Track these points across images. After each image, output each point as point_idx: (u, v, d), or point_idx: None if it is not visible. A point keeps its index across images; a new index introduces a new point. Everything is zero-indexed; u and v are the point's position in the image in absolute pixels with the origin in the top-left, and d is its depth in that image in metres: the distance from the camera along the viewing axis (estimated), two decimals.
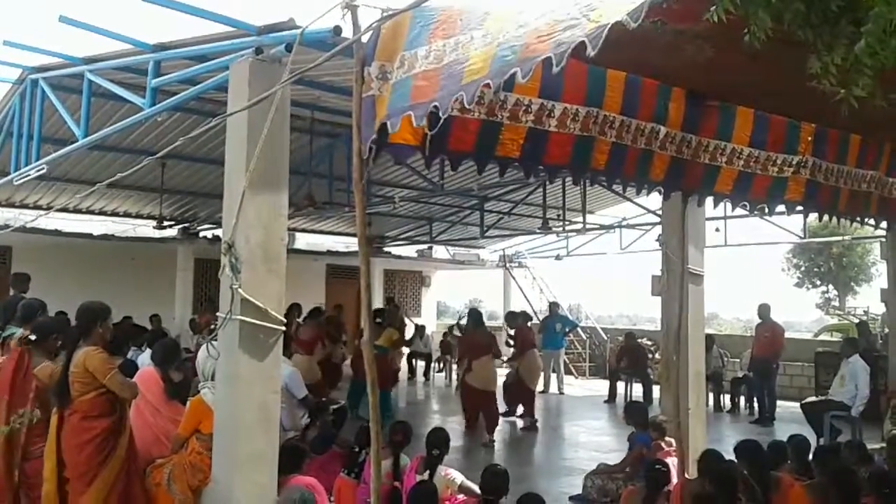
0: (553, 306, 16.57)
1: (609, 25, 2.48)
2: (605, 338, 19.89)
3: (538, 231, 16.01)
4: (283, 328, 4.04)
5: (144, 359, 6.65)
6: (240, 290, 3.87)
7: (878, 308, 14.49)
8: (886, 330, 11.12)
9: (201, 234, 15.38)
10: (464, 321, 13.79)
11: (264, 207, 4.04)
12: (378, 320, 11.44)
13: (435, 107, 2.96)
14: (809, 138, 5.54)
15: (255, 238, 3.99)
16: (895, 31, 1.63)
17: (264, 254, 4.01)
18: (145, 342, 8.53)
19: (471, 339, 10.70)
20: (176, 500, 4.56)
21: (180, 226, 15.45)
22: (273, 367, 4.05)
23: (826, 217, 6.44)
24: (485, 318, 12.80)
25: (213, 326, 4.50)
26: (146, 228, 15.26)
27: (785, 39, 2.53)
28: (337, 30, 3.70)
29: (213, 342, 4.22)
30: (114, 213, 14.90)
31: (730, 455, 5.50)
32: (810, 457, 5.70)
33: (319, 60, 3.50)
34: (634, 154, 4.83)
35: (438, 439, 5.29)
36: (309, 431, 6.32)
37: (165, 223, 14.22)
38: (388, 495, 4.94)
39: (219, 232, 5.35)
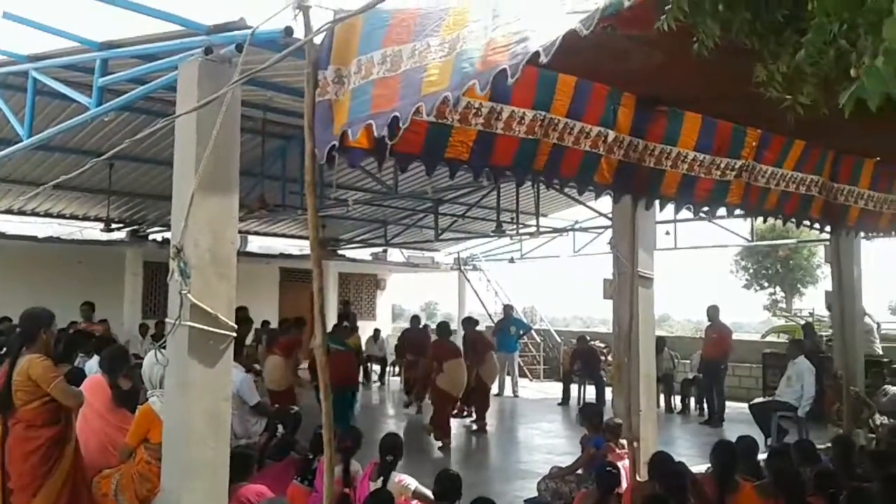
0: (507, 309, 16.67)
1: (561, 35, 2.52)
2: (559, 340, 20.05)
3: (492, 234, 16.08)
4: (234, 334, 3.97)
5: (92, 365, 6.50)
6: (189, 295, 3.79)
7: (824, 310, 14.83)
8: (831, 331, 11.38)
9: (150, 236, 15.11)
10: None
11: (214, 211, 3.96)
12: (345, 323, 11.47)
13: (395, 117, 2.96)
14: (754, 143, 5.68)
15: (205, 242, 3.91)
16: (833, 41, 1.67)
17: (214, 258, 3.94)
18: (93, 349, 8.35)
19: (442, 343, 10.81)
20: None
21: (129, 228, 15.16)
22: (224, 374, 3.98)
23: (766, 219, 6.59)
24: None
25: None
26: (94, 231, 14.95)
27: (733, 47, 2.58)
28: (288, 30, 3.66)
29: (161, 349, 4.13)
30: (60, 216, 14.56)
31: (681, 456, 5.58)
32: (760, 457, 5.82)
33: (269, 62, 3.47)
34: (576, 155, 4.87)
35: (392, 445, 5.25)
36: (261, 438, 6.24)
37: (113, 226, 13.94)
38: (338, 502, 4.89)
39: (168, 235, 5.28)
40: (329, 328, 11.54)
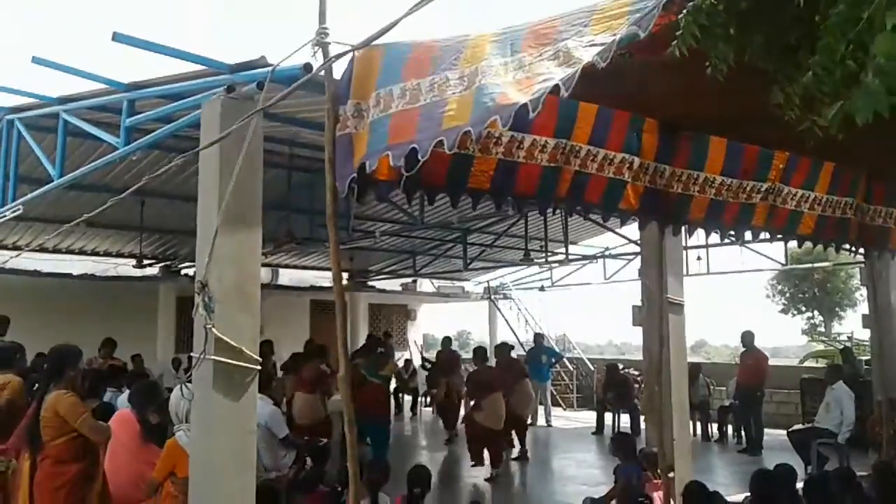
0: (538, 337, 16.58)
1: (580, 68, 2.53)
2: (592, 368, 19.84)
3: (520, 262, 16.03)
4: (259, 367, 3.97)
5: (123, 400, 6.55)
6: (213, 329, 3.81)
7: (863, 333, 14.53)
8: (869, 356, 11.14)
9: (182, 272, 15.29)
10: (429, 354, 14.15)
11: (238, 245, 3.99)
12: (381, 350, 11.39)
13: (413, 148, 2.97)
14: (781, 166, 5.61)
15: (229, 277, 3.94)
16: (841, 62, 1.64)
17: (238, 292, 3.96)
18: (125, 383, 8.42)
19: (478, 376, 10.60)
20: None
21: (161, 264, 15.36)
22: (249, 408, 3.97)
23: (801, 243, 6.48)
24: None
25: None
26: (127, 267, 15.17)
27: (750, 70, 2.55)
28: (307, 67, 3.70)
29: (187, 383, 4.15)
30: (94, 253, 14.80)
31: (717, 485, 5.46)
32: (799, 486, 5.68)
33: (281, 95, 3.52)
34: (600, 182, 4.85)
35: (420, 477, 5.21)
36: (290, 471, 6.22)
37: (146, 262, 14.14)
38: None
39: None
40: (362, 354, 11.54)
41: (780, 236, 6.23)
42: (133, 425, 5.02)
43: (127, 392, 6.42)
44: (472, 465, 10.05)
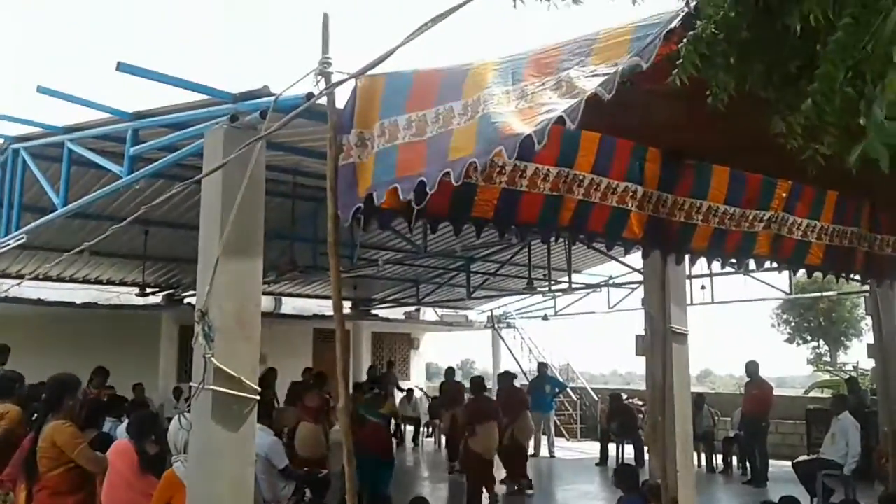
0: (542, 367, 16.48)
1: (583, 99, 2.54)
2: (596, 398, 19.71)
3: (524, 291, 16.00)
4: (258, 397, 3.94)
5: (123, 430, 6.50)
6: (213, 358, 3.78)
7: (868, 363, 14.44)
8: (875, 386, 11.05)
9: (185, 301, 15.27)
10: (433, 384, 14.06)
11: (239, 274, 3.98)
12: (375, 388, 11.32)
13: (422, 182, 2.97)
14: (784, 194, 5.59)
15: (229, 306, 3.92)
16: (840, 89, 1.63)
17: (238, 321, 3.93)
18: (125, 413, 8.36)
19: (477, 403, 10.60)
20: None
21: (164, 293, 15.36)
22: (248, 439, 3.93)
23: (795, 271, 6.47)
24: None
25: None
26: (130, 296, 15.17)
27: (751, 99, 2.55)
28: (309, 96, 3.71)
29: (185, 413, 4.11)
30: (97, 281, 14.82)
31: None
32: None
33: (281, 123, 3.54)
34: (603, 211, 4.85)
35: None
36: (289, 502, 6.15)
37: (149, 290, 14.14)
38: None
39: None
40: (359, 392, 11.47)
41: (787, 266, 6.21)
42: (131, 456, 4.95)
43: (126, 422, 6.37)
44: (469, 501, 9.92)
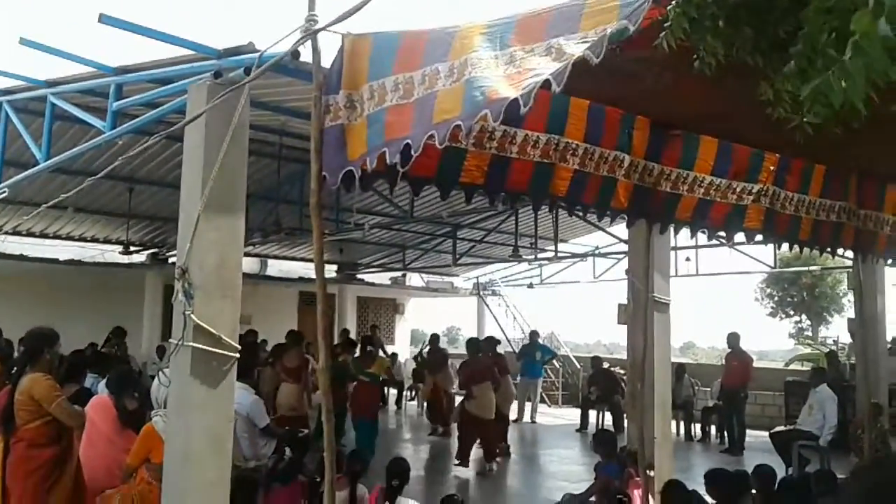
0: (533, 335, 16.56)
1: (571, 62, 2.51)
2: (579, 366, 19.86)
3: (510, 259, 16.02)
4: (237, 355, 3.94)
5: (104, 386, 6.49)
6: (192, 316, 3.77)
7: (849, 337, 14.59)
8: (853, 360, 11.18)
9: (170, 260, 15.20)
10: (426, 349, 14.18)
11: (220, 233, 3.95)
12: (369, 347, 11.35)
13: (407, 144, 2.95)
14: (772, 167, 5.60)
15: (210, 263, 3.90)
16: (822, 52, 1.62)
17: (219, 279, 3.92)
18: (106, 369, 8.36)
19: (472, 365, 10.64)
20: None
21: (149, 251, 15.28)
22: (226, 395, 3.94)
23: (789, 246, 6.47)
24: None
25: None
26: (114, 254, 15.08)
27: (739, 66, 2.53)
28: (295, 54, 3.66)
29: (166, 370, 4.11)
30: (81, 239, 14.69)
31: (698, 485, 5.47)
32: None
33: (260, 70, 3.49)
34: (597, 181, 4.86)
35: (399, 469, 5.19)
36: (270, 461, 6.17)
37: (133, 249, 14.05)
38: None
39: None
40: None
41: (780, 241, 6.22)
42: (110, 411, 4.95)
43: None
44: (457, 464, 9.99)
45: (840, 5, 1.48)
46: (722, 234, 5.85)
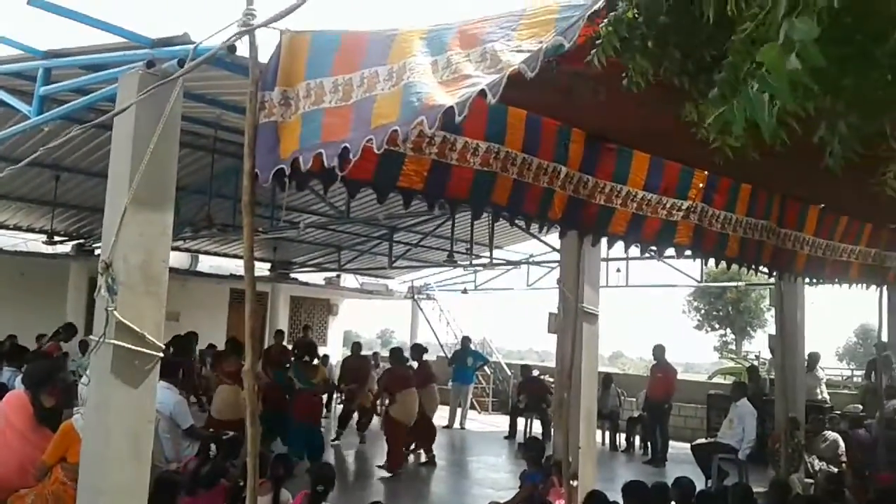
0: (465, 340, 16.62)
1: (506, 74, 2.54)
2: (510, 373, 20.00)
3: (444, 264, 16.07)
4: (161, 354, 3.84)
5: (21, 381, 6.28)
6: (115, 312, 3.67)
7: (770, 353, 15.05)
8: (773, 375, 11.53)
9: (96, 251, 14.80)
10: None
11: (147, 227, 3.86)
12: (309, 358, 11.08)
13: (345, 148, 2.93)
14: (701, 185, 5.72)
15: (136, 258, 3.80)
16: (745, 80, 1.67)
17: (144, 275, 3.82)
18: (25, 363, 8.09)
19: (394, 372, 10.79)
20: None
21: (74, 242, 14.84)
22: (148, 395, 3.84)
23: (716, 262, 6.64)
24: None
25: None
26: (37, 244, 14.60)
27: (667, 86, 2.59)
28: (232, 48, 3.60)
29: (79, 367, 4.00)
30: (2, 226, 14.18)
31: (618, 496, 5.56)
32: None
33: (194, 64, 3.46)
34: (537, 192, 4.89)
35: (324, 475, 5.15)
36: (191, 464, 6.05)
37: (57, 238, 13.63)
38: None
39: None
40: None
41: (707, 257, 6.36)
42: (27, 408, 4.76)
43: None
44: (389, 474, 9.96)
45: (763, 38, 1.52)
46: (653, 248, 5.95)
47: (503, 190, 4.71)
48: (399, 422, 10.23)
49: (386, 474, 9.92)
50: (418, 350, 12.33)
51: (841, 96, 1.66)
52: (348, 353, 18.79)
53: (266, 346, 15.06)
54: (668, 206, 5.64)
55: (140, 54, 4.14)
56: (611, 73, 2.67)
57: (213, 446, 6.10)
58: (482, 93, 2.59)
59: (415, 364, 11.72)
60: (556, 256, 15.08)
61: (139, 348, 3.77)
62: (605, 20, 2.37)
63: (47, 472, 4.43)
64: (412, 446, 11.38)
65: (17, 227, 14.29)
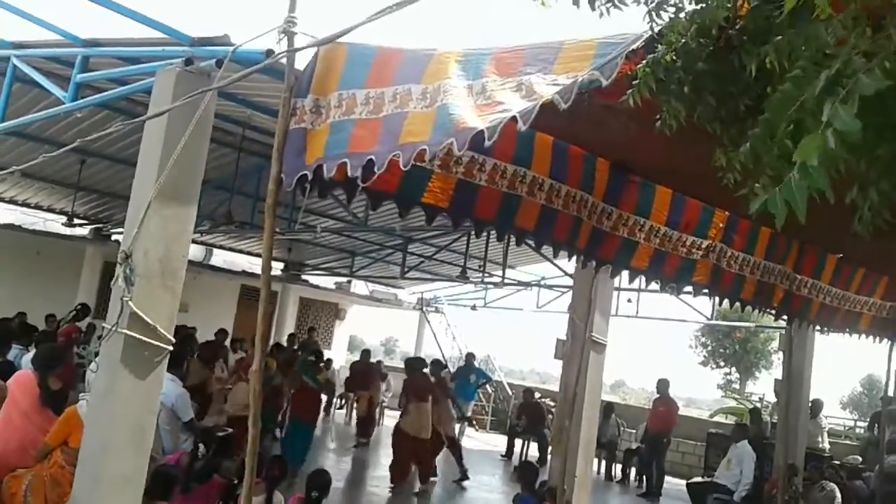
0: (469, 357, 16.58)
1: (539, 103, 2.56)
2: (511, 393, 19.94)
3: (456, 279, 16.08)
4: (170, 348, 3.88)
5: (28, 360, 6.33)
6: (130, 303, 3.71)
7: (773, 396, 14.95)
8: (776, 419, 11.46)
9: (113, 237, 14.91)
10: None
11: (170, 222, 3.90)
12: (316, 359, 11.20)
13: (370, 160, 2.96)
14: (721, 225, 5.70)
15: (156, 252, 3.84)
16: (780, 140, 1.69)
17: (163, 269, 3.86)
18: (34, 342, 8.16)
19: (412, 382, 10.47)
20: None
21: (93, 226, 14.95)
22: (154, 387, 3.88)
23: (730, 303, 6.59)
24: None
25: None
26: (56, 224, 14.71)
27: (699, 130, 2.61)
28: (269, 53, 3.66)
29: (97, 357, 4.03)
30: (24, 204, 14.30)
31: None
32: None
33: (237, 76, 3.49)
34: (567, 220, 4.83)
35: (320, 481, 5.16)
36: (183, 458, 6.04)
37: (76, 221, 13.73)
38: None
39: None
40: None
41: (723, 298, 6.30)
42: (33, 389, 4.80)
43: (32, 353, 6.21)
44: (391, 487, 9.89)
45: (805, 102, 1.54)
46: (673, 285, 5.91)
47: (529, 214, 4.68)
48: (408, 434, 9.94)
49: (378, 488, 9.90)
50: (438, 366, 12.11)
51: (875, 164, 1.68)
52: (352, 357, 18.85)
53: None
54: (688, 243, 5.61)
55: (178, 51, 4.21)
56: (643, 110, 2.69)
57: (201, 445, 6.08)
58: (513, 119, 2.62)
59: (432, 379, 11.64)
60: (569, 281, 15.10)
61: (150, 340, 3.81)
62: (644, 61, 2.39)
63: (48, 454, 4.46)
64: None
65: (37, 207, 14.41)
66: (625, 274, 5.74)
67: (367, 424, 13.26)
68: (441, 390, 11.26)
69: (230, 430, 6.55)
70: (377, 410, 13.41)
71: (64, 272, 14.97)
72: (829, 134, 1.37)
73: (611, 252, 5.29)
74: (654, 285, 5.95)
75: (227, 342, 12.95)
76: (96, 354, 6.36)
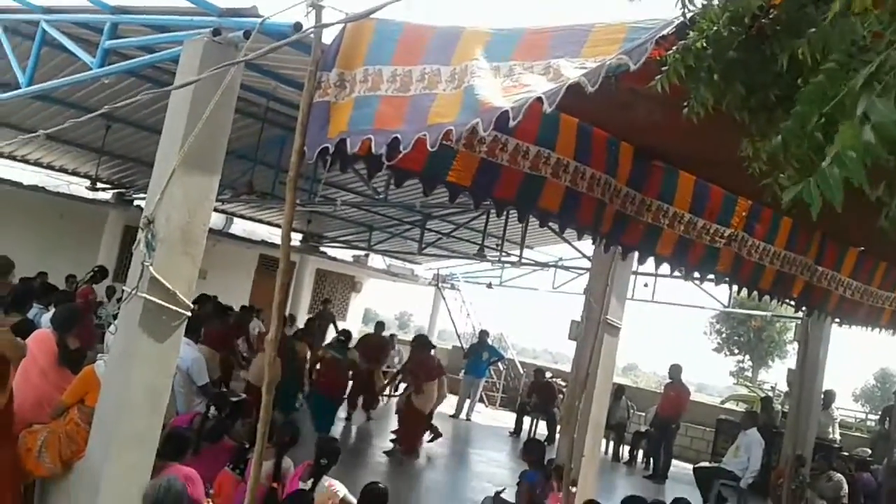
0: (483, 334, 16.67)
1: (566, 85, 2.55)
2: (522, 371, 20.01)
3: (473, 257, 16.10)
4: (189, 313, 3.93)
5: (47, 319, 6.42)
6: (151, 268, 3.76)
7: (785, 386, 14.91)
8: (787, 408, 11.44)
9: (135, 202, 15.02)
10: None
11: (193, 189, 3.94)
12: (342, 338, 11.52)
13: (396, 138, 2.96)
14: (744, 213, 5.66)
15: (178, 219, 3.88)
16: (811, 133, 1.68)
17: (184, 236, 3.91)
18: (53, 302, 8.25)
19: (423, 361, 10.93)
20: (45, 469, 4.37)
21: (116, 190, 15.07)
22: (171, 351, 3.94)
23: (748, 292, 6.54)
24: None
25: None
26: (80, 188, 14.84)
27: (726, 118, 2.59)
28: (297, 26, 3.66)
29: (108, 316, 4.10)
30: (49, 167, 14.44)
31: None
32: None
33: (266, 49, 3.50)
34: (591, 202, 4.80)
35: (329, 449, 5.23)
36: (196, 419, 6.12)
37: (100, 185, 13.85)
38: (264, 496, 4.86)
39: None
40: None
41: (743, 286, 6.26)
42: (51, 346, 4.85)
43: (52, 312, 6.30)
44: (402, 453, 10.18)
45: (838, 95, 1.52)
46: (697, 274, 5.88)
47: (554, 196, 4.65)
48: (420, 411, 10.54)
49: (384, 457, 10.06)
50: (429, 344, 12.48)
51: None
52: (366, 329, 18.92)
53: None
54: (711, 231, 5.56)
55: (206, 21, 4.22)
56: (669, 96, 2.67)
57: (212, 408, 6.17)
58: (538, 99, 2.61)
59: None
60: (586, 263, 15.07)
61: (169, 305, 3.86)
62: (674, 47, 2.37)
63: (63, 411, 4.53)
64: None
65: (62, 170, 14.54)
66: (658, 266, 5.70)
67: (373, 399, 13.34)
68: (439, 367, 11.64)
69: (244, 395, 6.64)
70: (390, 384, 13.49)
71: (86, 235, 15.12)
72: (867, 127, 1.36)
73: (635, 238, 5.25)
74: (678, 273, 5.92)
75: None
76: (115, 316, 6.45)
